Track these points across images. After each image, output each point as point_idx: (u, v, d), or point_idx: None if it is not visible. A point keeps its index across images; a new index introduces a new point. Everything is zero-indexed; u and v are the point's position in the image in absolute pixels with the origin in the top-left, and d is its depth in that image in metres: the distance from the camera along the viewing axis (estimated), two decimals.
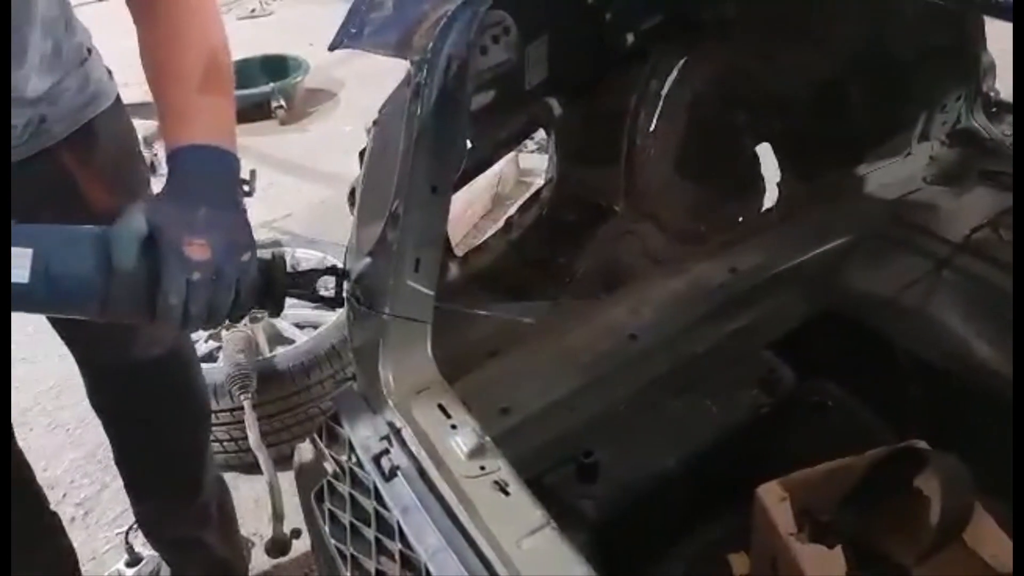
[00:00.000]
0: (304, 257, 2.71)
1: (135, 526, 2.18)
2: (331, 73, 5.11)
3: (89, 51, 1.33)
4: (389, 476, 1.04)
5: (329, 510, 1.11)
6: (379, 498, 1.05)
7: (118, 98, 1.39)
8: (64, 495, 2.48)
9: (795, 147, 1.81)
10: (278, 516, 2.02)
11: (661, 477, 1.41)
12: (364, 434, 1.12)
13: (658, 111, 1.74)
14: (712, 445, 1.45)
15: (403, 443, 1.09)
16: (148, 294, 0.94)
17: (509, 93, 1.49)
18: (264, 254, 1.04)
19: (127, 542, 2.15)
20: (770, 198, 1.89)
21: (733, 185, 1.85)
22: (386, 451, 1.07)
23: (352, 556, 1.04)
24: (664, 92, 1.73)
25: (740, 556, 1.48)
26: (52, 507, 1.72)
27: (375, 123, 1.26)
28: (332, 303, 1.15)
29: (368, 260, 1.16)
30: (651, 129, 1.76)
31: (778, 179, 1.86)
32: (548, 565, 0.93)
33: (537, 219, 1.85)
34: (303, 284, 1.08)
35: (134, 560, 2.17)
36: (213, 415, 2.14)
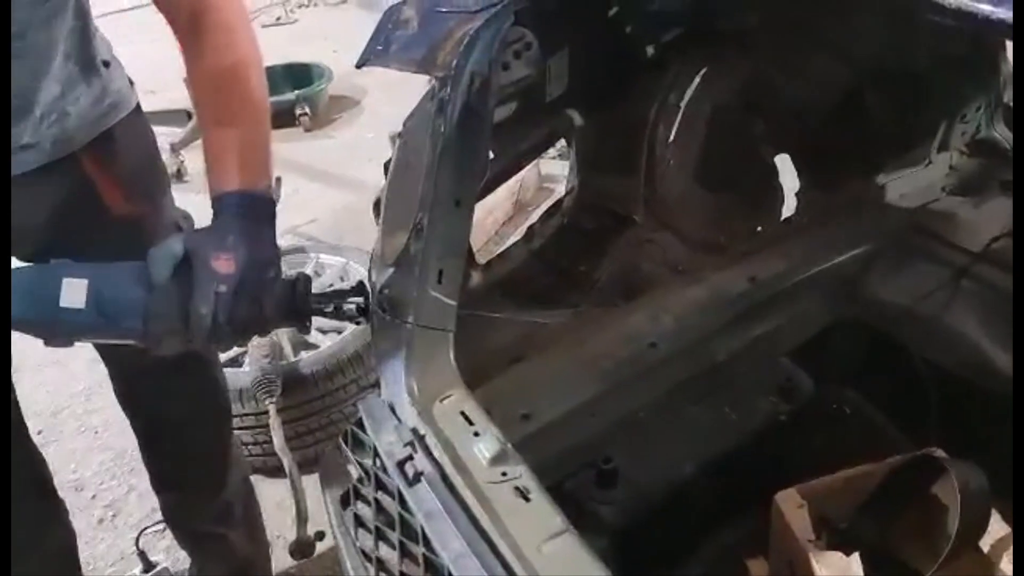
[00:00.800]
0: (328, 262, 2.75)
1: (145, 532, 2.20)
2: (354, 80, 5.17)
3: (107, 63, 1.36)
4: (413, 481, 1.06)
5: (355, 514, 1.14)
6: (403, 503, 1.07)
7: (138, 106, 1.44)
8: (93, 496, 2.52)
9: (814, 157, 1.82)
10: (302, 518, 2.04)
11: (680, 483, 1.41)
12: (388, 440, 1.14)
13: (677, 121, 1.76)
14: (731, 451, 1.46)
15: (426, 449, 1.11)
16: (183, 308, 1.04)
17: (531, 105, 1.52)
18: (290, 275, 1.14)
19: (138, 547, 2.16)
20: (788, 208, 1.90)
21: (752, 195, 1.86)
22: (410, 457, 1.09)
23: (377, 560, 1.06)
24: (683, 103, 1.75)
25: (758, 561, 1.48)
26: (72, 516, 1.71)
27: (399, 135, 1.29)
28: (356, 321, 1.22)
29: (392, 271, 1.19)
30: (670, 139, 1.78)
31: (796, 189, 1.87)
32: (568, 570, 0.94)
33: (558, 228, 1.87)
34: (328, 303, 1.16)
35: (148, 567, 2.18)
36: (239, 419, 2.18)
